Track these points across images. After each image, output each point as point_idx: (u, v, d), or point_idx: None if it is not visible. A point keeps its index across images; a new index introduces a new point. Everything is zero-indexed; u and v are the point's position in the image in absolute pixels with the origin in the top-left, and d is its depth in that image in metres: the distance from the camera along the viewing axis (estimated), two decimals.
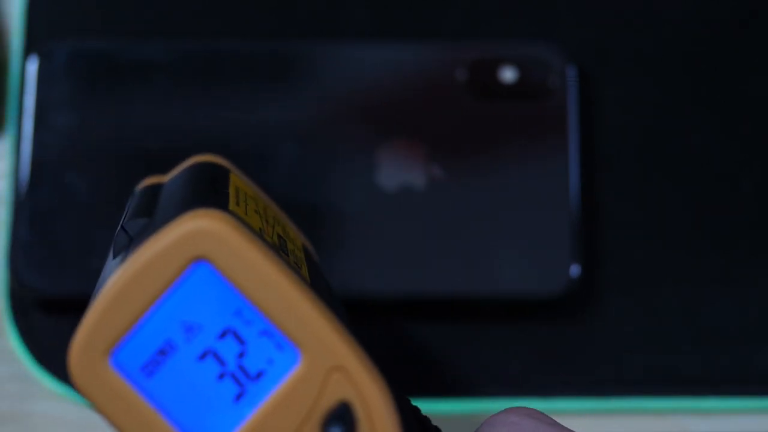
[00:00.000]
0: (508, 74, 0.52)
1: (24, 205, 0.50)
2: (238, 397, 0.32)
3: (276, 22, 0.53)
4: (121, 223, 0.34)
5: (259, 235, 0.33)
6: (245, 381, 0.32)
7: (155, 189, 0.38)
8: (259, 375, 0.32)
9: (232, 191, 0.36)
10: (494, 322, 0.51)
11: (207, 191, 0.34)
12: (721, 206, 0.52)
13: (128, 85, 0.51)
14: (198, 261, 0.31)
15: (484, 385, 0.50)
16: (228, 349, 0.32)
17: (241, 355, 0.32)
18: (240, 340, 0.32)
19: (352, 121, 0.51)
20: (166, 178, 0.39)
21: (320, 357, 0.31)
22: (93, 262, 0.50)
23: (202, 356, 0.32)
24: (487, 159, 0.51)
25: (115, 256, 0.34)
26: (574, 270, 0.50)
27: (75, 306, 0.50)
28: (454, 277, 0.50)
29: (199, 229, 0.31)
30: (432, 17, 0.53)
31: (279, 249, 0.34)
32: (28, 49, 0.52)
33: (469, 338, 0.50)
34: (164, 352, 0.32)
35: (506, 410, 0.35)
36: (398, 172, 0.51)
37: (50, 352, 0.50)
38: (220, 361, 0.32)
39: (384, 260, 0.50)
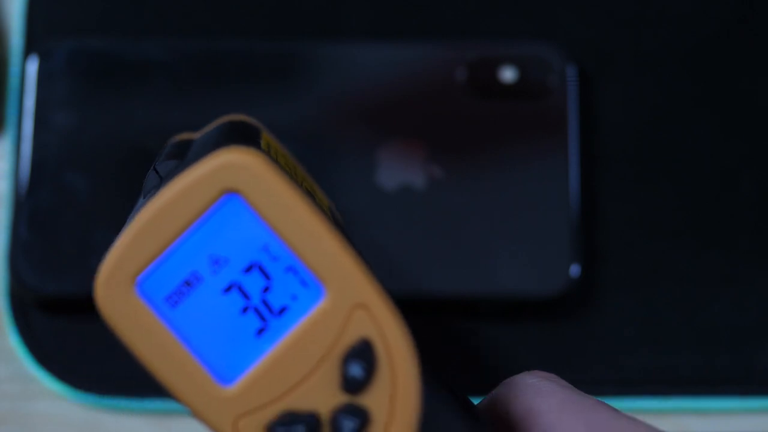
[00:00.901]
0: (508, 74, 0.52)
1: (24, 204, 0.50)
2: (260, 331, 0.32)
3: (276, 21, 0.53)
4: (152, 166, 0.34)
5: (290, 176, 0.33)
6: (268, 316, 0.32)
7: (187, 142, 0.38)
8: (282, 310, 0.32)
9: (263, 144, 0.36)
10: (494, 321, 0.51)
11: (239, 138, 0.34)
12: (721, 206, 0.52)
13: (128, 84, 0.51)
14: (229, 194, 0.32)
15: (484, 385, 0.50)
16: (253, 283, 0.32)
17: (265, 290, 0.32)
18: (265, 276, 0.32)
19: (351, 121, 0.51)
20: (197, 135, 0.39)
21: (344, 294, 0.32)
22: (93, 261, 0.50)
23: (227, 289, 0.32)
24: (486, 159, 0.51)
25: (144, 197, 0.34)
26: (574, 270, 0.50)
27: (75, 306, 0.50)
28: (453, 277, 0.50)
29: (232, 162, 0.31)
30: (432, 17, 0.53)
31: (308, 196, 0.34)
32: (28, 49, 0.52)
33: (468, 338, 0.50)
34: (190, 283, 0.32)
35: (524, 372, 0.36)
36: (398, 171, 0.51)
37: (50, 352, 0.50)
38: (245, 295, 0.32)
39: (383, 260, 0.50)
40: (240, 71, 0.51)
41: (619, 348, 0.51)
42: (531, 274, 0.50)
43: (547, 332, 0.51)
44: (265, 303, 0.32)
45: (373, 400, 0.32)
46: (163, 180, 0.34)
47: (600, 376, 0.50)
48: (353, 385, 0.32)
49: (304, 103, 0.51)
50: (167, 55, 0.52)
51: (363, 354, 0.32)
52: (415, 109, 0.51)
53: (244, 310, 0.32)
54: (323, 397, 0.32)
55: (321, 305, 0.32)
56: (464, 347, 0.50)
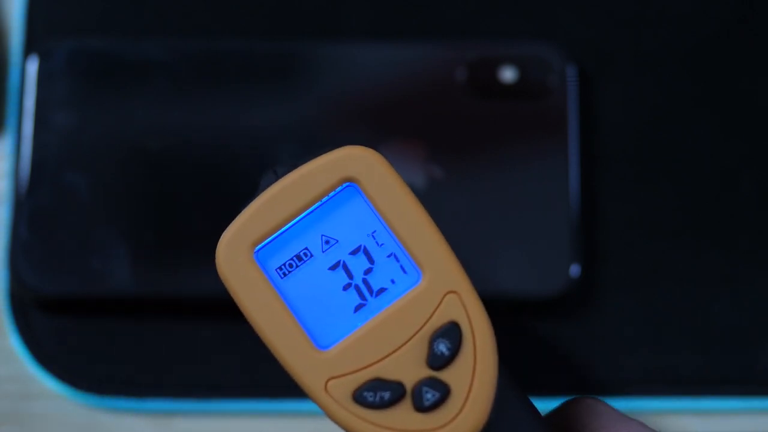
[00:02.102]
0: (508, 74, 0.52)
1: (24, 204, 0.50)
2: (358, 308, 0.35)
3: (276, 21, 0.53)
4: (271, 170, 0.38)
5: None
6: (367, 294, 0.35)
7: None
8: (381, 291, 0.35)
9: None
10: (494, 321, 0.51)
11: None
12: (721, 206, 0.52)
13: (128, 84, 0.51)
14: (348, 183, 0.35)
15: None
16: (357, 264, 0.36)
17: (368, 271, 0.36)
18: (370, 259, 0.36)
19: (351, 121, 0.51)
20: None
21: (439, 281, 0.35)
22: (93, 261, 0.50)
23: (333, 267, 0.36)
24: (486, 159, 0.51)
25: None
26: (574, 270, 0.50)
27: (75, 305, 0.50)
28: None
29: (354, 154, 0.36)
30: (432, 17, 0.53)
31: None
32: (28, 49, 0.52)
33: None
34: (301, 258, 0.35)
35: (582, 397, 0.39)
36: (398, 171, 0.51)
37: (50, 352, 0.50)
38: (348, 274, 0.36)
39: None
40: (240, 71, 0.51)
41: (619, 348, 0.51)
42: (531, 274, 0.50)
43: (547, 332, 0.51)
44: (366, 283, 0.36)
45: (454, 376, 0.35)
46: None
47: (600, 376, 0.50)
48: (438, 361, 0.35)
49: (304, 103, 0.51)
50: (167, 55, 0.52)
51: (450, 334, 0.35)
52: (415, 109, 0.51)
53: (347, 287, 0.36)
54: (410, 369, 0.35)
55: (417, 288, 0.35)
56: None
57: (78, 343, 0.51)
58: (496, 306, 0.50)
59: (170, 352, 0.51)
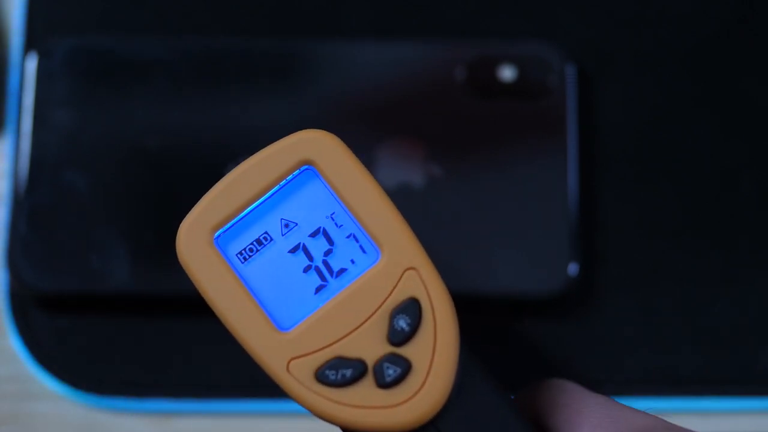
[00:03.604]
0: (507, 73, 0.52)
1: (23, 202, 0.50)
2: (319, 289, 0.36)
3: (276, 20, 0.53)
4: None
5: None
6: (327, 276, 0.36)
7: None
8: (341, 272, 0.36)
9: None
10: (492, 321, 0.51)
11: None
12: (721, 206, 0.52)
13: (127, 83, 0.51)
14: (305, 166, 0.36)
15: None
16: (317, 246, 0.36)
17: (327, 252, 0.36)
18: (329, 241, 0.36)
19: (351, 120, 0.51)
20: None
21: (398, 258, 0.36)
22: (92, 259, 0.50)
23: (293, 249, 0.36)
24: (485, 158, 0.51)
25: None
26: (573, 269, 0.50)
27: (74, 304, 0.50)
28: (452, 276, 0.49)
29: (311, 137, 0.36)
30: (432, 17, 0.53)
31: None
32: (28, 47, 0.52)
33: (467, 337, 0.50)
34: (261, 242, 0.36)
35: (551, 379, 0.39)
36: (397, 170, 0.51)
37: (50, 352, 0.50)
38: (308, 256, 0.36)
39: None
40: (240, 70, 0.52)
41: (618, 348, 0.51)
42: (530, 273, 0.50)
43: (546, 332, 0.51)
44: (326, 264, 0.36)
45: (415, 352, 0.35)
46: None
47: (600, 376, 0.50)
48: (398, 337, 0.35)
49: (303, 101, 0.51)
50: (167, 53, 0.52)
51: (410, 310, 0.35)
52: (414, 108, 0.51)
53: (307, 269, 0.36)
54: (371, 346, 0.35)
55: (376, 267, 0.36)
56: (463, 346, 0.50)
57: (78, 343, 0.51)
58: (494, 305, 0.51)
59: (170, 351, 0.51)
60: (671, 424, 0.36)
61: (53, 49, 0.52)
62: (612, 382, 0.50)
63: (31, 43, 0.53)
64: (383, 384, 0.35)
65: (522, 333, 0.51)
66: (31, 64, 0.51)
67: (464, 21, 0.53)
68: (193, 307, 0.51)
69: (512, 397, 0.38)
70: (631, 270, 0.51)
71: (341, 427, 0.36)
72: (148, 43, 0.52)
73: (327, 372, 0.35)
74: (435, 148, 0.51)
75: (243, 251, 0.36)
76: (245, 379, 0.51)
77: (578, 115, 0.52)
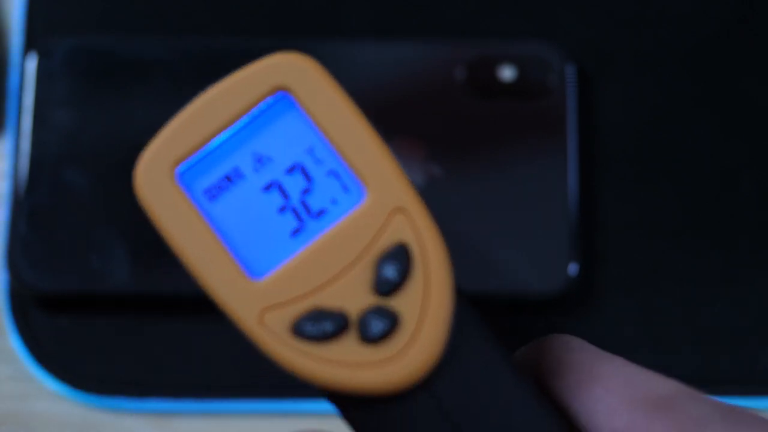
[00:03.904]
0: (507, 73, 0.52)
1: (23, 202, 0.50)
2: (296, 231, 0.32)
3: (275, 19, 0.53)
4: None
5: None
6: (305, 217, 0.32)
7: None
8: (321, 213, 0.32)
9: None
10: (492, 320, 0.51)
11: None
12: (721, 206, 0.52)
13: (127, 83, 0.51)
14: (280, 93, 0.32)
15: None
16: (294, 183, 0.32)
17: (305, 191, 0.32)
18: (307, 178, 0.32)
19: None
20: None
21: (385, 197, 0.32)
22: (92, 259, 0.50)
23: (267, 187, 0.32)
24: (485, 157, 0.51)
25: None
26: (573, 269, 0.50)
27: (74, 303, 0.50)
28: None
29: (288, 61, 0.32)
30: (432, 16, 0.53)
31: None
32: (28, 47, 0.53)
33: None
34: (230, 178, 0.32)
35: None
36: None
37: (50, 352, 0.50)
38: (284, 195, 0.32)
39: None
40: (239, 69, 0.51)
41: (618, 348, 0.51)
42: (529, 272, 0.50)
43: (546, 332, 0.51)
44: (303, 204, 0.32)
45: (404, 304, 0.31)
46: None
47: None
48: (385, 287, 0.31)
49: None
50: (167, 53, 0.52)
51: (398, 257, 0.31)
52: (414, 108, 0.51)
53: (282, 209, 0.32)
54: (354, 297, 0.31)
55: (361, 207, 0.32)
56: None
57: (78, 342, 0.51)
58: (494, 305, 0.51)
59: (170, 351, 0.51)
60: (694, 391, 0.33)
61: (53, 49, 0.52)
62: None
63: (31, 43, 0.53)
64: (368, 339, 0.31)
65: (522, 333, 0.51)
66: (31, 64, 0.51)
67: (464, 21, 0.53)
68: (193, 306, 0.51)
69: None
70: (631, 270, 0.51)
71: (322, 389, 0.32)
72: (148, 43, 0.52)
73: (305, 324, 0.31)
74: (435, 148, 0.51)
75: (210, 189, 0.32)
76: (245, 379, 0.51)
77: (578, 115, 0.52)
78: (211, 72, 0.52)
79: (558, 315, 0.51)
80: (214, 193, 0.32)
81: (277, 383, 0.50)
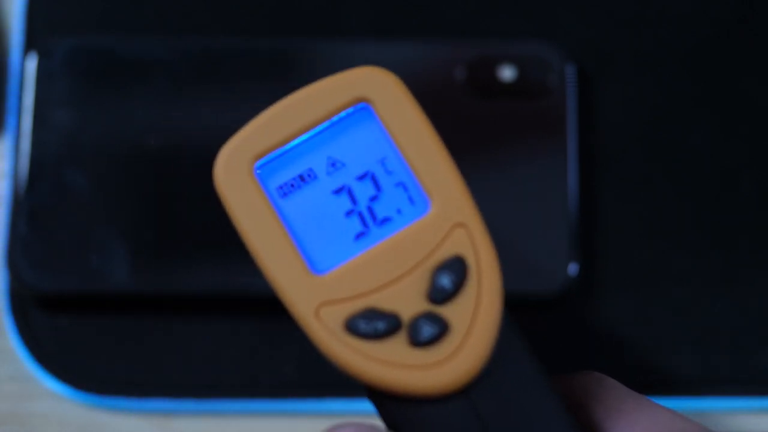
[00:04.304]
0: (507, 73, 0.52)
1: (23, 202, 0.50)
2: (360, 235, 0.34)
3: (276, 19, 0.53)
4: None
5: None
6: (370, 223, 0.34)
7: None
8: (385, 220, 0.34)
9: None
10: None
11: None
12: (721, 206, 0.52)
13: (127, 82, 0.51)
14: (362, 104, 0.34)
15: None
16: (363, 190, 0.34)
17: (373, 198, 0.34)
18: (377, 186, 0.34)
19: None
20: None
21: (448, 212, 0.34)
22: (92, 259, 0.50)
23: (338, 191, 0.34)
24: (485, 157, 0.51)
25: None
26: (573, 269, 0.50)
27: (74, 303, 0.50)
28: None
29: (372, 74, 0.34)
30: (432, 16, 0.53)
31: None
32: (28, 46, 0.52)
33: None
34: (304, 178, 0.34)
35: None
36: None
37: (50, 352, 0.50)
38: (353, 200, 0.34)
39: None
40: (240, 69, 0.52)
41: (618, 348, 0.51)
42: (529, 272, 0.50)
43: (546, 332, 0.51)
44: (370, 210, 0.34)
45: (455, 313, 0.33)
46: None
47: None
48: (439, 296, 0.33)
49: None
50: (167, 53, 0.52)
51: (455, 268, 0.33)
52: None
53: (349, 213, 0.34)
54: (408, 301, 0.33)
55: (424, 219, 0.34)
56: None
57: (78, 342, 0.51)
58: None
59: (170, 351, 0.51)
60: (711, 430, 0.34)
61: (53, 49, 0.52)
62: None
63: (31, 43, 0.53)
64: (417, 342, 0.33)
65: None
66: (31, 64, 0.51)
67: (464, 21, 0.53)
68: (193, 307, 0.51)
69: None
70: (631, 270, 0.51)
71: (367, 386, 0.33)
72: (148, 43, 0.52)
73: (358, 322, 0.33)
74: None
75: (284, 185, 0.34)
76: (245, 379, 0.51)
77: (578, 115, 0.52)
78: (211, 72, 0.52)
79: (558, 315, 0.51)
80: (287, 190, 0.34)
81: (277, 383, 0.50)
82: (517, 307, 0.50)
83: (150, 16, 0.53)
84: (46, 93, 0.51)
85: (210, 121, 0.51)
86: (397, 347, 0.33)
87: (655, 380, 0.50)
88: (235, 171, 0.34)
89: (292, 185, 0.34)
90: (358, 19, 0.53)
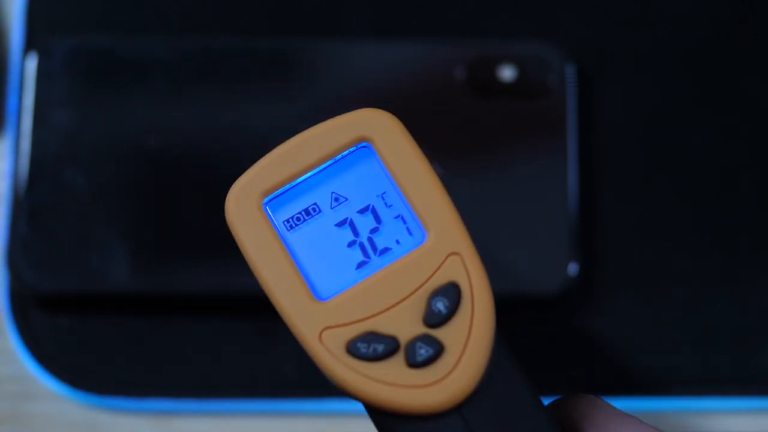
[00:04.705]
0: (507, 73, 0.52)
1: (23, 202, 0.50)
2: (361, 264, 0.36)
3: (275, 19, 0.53)
4: None
5: None
6: (371, 252, 0.36)
7: None
8: (385, 250, 0.36)
9: None
10: None
11: None
12: (721, 206, 0.52)
13: (127, 82, 0.51)
14: (363, 143, 0.36)
15: None
16: (364, 222, 0.36)
17: (374, 230, 0.36)
18: (377, 219, 0.36)
19: None
20: None
21: (444, 242, 0.36)
22: (92, 259, 0.50)
23: (340, 223, 0.36)
24: (485, 157, 0.51)
25: None
26: (573, 268, 0.50)
27: (74, 303, 0.50)
28: None
29: (372, 116, 0.36)
30: (432, 16, 0.53)
31: None
32: (28, 46, 0.53)
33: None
34: (309, 212, 0.36)
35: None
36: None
37: (50, 352, 0.50)
38: (354, 231, 0.36)
39: None
40: (239, 69, 0.52)
41: (618, 348, 0.51)
42: (529, 272, 0.50)
43: (546, 332, 0.51)
44: (371, 241, 0.36)
45: (449, 335, 0.35)
46: None
47: (599, 375, 0.50)
48: (434, 319, 0.35)
49: (303, 101, 0.51)
50: (166, 53, 0.52)
51: (449, 294, 0.35)
52: (414, 107, 0.51)
53: (351, 243, 0.36)
54: (406, 325, 0.35)
55: (420, 248, 0.36)
56: None
57: (78, 342, 0.51)
58: (493, 304, 0.51)
59: (170, 351, 0.51)
60: None
61: (53, 49, 0.52)
62: (611, 382, 0.50)
63: (31, 42, 0.53)
64: (414, 363, 0.35)
65: (521, 333, 0.51)
66: (31, 63, 0.52)
67: (464, 21, 0.53)
68: (193, 307, 0.51)
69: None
70: (631, 270, 0.51)
71: (365, 404, 0.36)
72: (148, 43, 0.52)
73: (359, 345, 0.35)
74: (435, 148, 0.51)
75: (290, 219, 0.36)
76: (245, 379, 0.51)
77: (578, 115, 0.52)
78: (211, 72, 0.52)
79: (558, 315, 0.51)
80: (294, 223, 0.36)
81: (277, 383, 0.50)
82: (517, 307, 0.51)
83: (150, 16, 0.53)
84: (46, 93, 0.51)
85: (210, 121, 0.51)
86: (395, 368, 0.35)
87: (655, 380, 0.51)
88: (245, 206, 0.36)
89: (298, 219, 0.36)
90: (358, 19, 0.53)
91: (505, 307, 0.50)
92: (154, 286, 0.50)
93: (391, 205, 0.36)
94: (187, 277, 0.50)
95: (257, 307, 0.50)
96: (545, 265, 0.50)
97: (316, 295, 0.36)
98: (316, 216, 0.36)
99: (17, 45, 0.53)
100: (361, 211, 0.36)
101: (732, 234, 0.52)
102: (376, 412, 0.36)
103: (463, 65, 0.52)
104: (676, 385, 0.50)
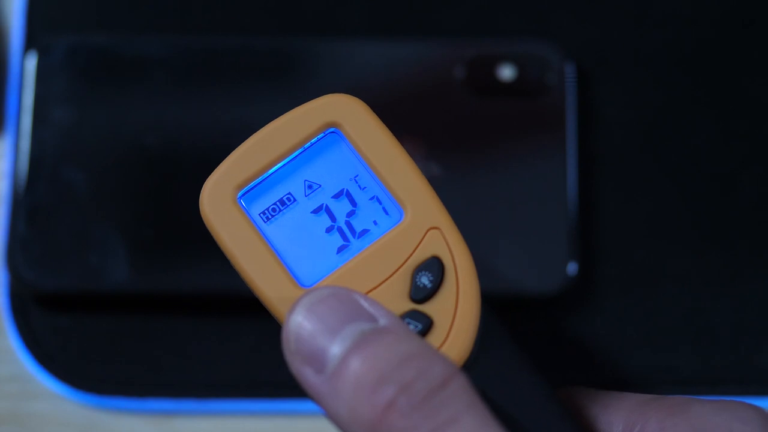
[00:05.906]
0: (507, 72, 0.52)
1: (22, 201, 0.50)
2: (341, 249, 0.36)
3: (275, 18, 0.53)
4: None
5: None
6: (350, 236, 0.36)
7: None
8: (363, 232, 0.36)
9: None
10: None
11: None
12: (721, 206, 0.52)
13: (126, 81, 0.51)
14: (331, 129, 0.36)
15: None
16: (340, 207, 0.36)
17: (350, 214, 0.36)
18: (352, 202, 0.36)
19: None
20: None
21: (421, 218, 0.36)
22: (92, 258, 0.50)
23: (316, 210, 0.36)
24: (485, 156, 0.51)
25: None
26: (572, 268, 0.50)
27: (74, 303, 0.50)
28: None
29: (337, 100, 0.37)
30: (431, 15, 0.53)
31: None
32: (27, 45, 0.53)
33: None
34: (284, 202, 0.36)
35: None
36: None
37: (50, 352, 0.50)
38: (331, 217, 0.36)
39: None
40: (239, 68, 0.52)
41: (617, 347, 0.51)
42: (528, 271, 0.50)
43: (545, 331, 0.51)
44: (348, 225, 0.36)
45: (437, 309, 0.35)
46: None
47: (598, 375, 0.50)
48: (420, 294, 0.35)
49: (302, 100, 0.51)
50: (166, 51, 0.52)
51: (432, 268, 0.36)
52: (413, 106, 0.51)
53: (329, 229, 0.36)
54: (392, 303, 0.35)
55: (399, 227, 0.36)
56: None
57: (78, 342, 0.51)
58: (493, 303, 0.51)
59: (170, 351, 0.51)
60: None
61: (53, 48, 0.52)
62: (611, 382, 0.50)
63: (30, 41, 0.53)
64: None
65: (521, 332, 0.51)
66: (31, 62, 0.52)
67: (464, 20, 0.53)
68: (192, 306, 0.51)
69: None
70: (631, 270, 0.51)
71: None
72: (148, 42, 0.52)
73: None
74: (434, 147, 0.51)
75: (266, 211, 0.36)
76: (245, 379, 0.51)
77: (578, 114, 0.52)
78: (211, 71, 0.52)
79: (557, 314, 0.51)
80: (270, 214, 0.36)
81: (277, 383, 0.50)
82: (516, 307, 0.51)
83: (150, 15, 0.53)
84: (46, 92, 0.51)
85: (209, 120, 0.51)
86: None
87: (655, 380, 0.50)
88: (219, 202, 0.36)
89: (274, 210, 0.36)
90: (358, 19, 0.53)
91: (505, 306, 0.51)
92: (154, 285, 0.50)
93: (365, 188, 0.36)
94: (187, 276, 0.50)
95: (257, 307, 0.50)
96: (544, 265, 0.50)
97: (300, 282, 0.36)
98: (291, 205, 0.36)
99: (17, 44, 0.53)
100: (336, 196, 0.36)
101: (731, 234, 0.52)
102: None
103: (463, 64, 0.52)
104: (676, 384, 0.50)
